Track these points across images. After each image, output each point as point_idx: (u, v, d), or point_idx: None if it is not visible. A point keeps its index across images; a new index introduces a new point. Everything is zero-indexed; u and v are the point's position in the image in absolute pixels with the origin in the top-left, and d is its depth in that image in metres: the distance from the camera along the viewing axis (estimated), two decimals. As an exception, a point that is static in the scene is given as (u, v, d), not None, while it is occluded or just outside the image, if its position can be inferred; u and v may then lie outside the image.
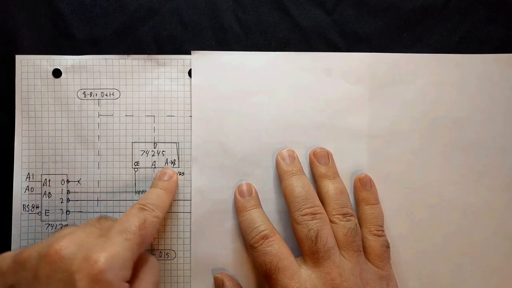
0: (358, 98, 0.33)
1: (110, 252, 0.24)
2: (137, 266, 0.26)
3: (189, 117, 0.32)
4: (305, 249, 0.28)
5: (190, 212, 0.32)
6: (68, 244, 0.24)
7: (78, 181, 0.32)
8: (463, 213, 0.32)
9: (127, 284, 0.24)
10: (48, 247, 0.24)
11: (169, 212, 0.32)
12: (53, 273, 0.23)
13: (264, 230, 0.29)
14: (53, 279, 0.23)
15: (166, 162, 0.32)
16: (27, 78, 0.32)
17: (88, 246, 0.24)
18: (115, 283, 0.23)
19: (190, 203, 0.32)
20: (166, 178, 0.31)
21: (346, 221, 0.29)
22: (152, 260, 0.28)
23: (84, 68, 0.32)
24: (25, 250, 0.25)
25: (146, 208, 0.28)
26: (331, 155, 0.32)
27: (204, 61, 0.32)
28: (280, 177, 0.31)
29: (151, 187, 0.31)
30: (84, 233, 0.26)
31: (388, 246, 0.30)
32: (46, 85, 0.32)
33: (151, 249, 0.32)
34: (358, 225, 0.30)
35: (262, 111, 0.32)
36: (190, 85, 0.32)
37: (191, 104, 0.32)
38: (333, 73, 0.32)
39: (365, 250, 0.30)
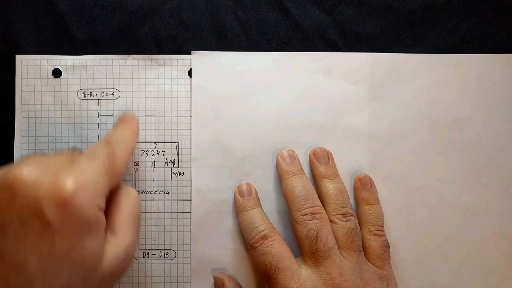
0: (358, 98, 0.32)
1: (80, 177, 0.21)
2: (114, 198, 0.25)
3: (189, 117, 0.32)
4: (305, 249, 0.28)
5: (190, 212, 0.32)
6: (31, 169, 0.21)
7: (78, 181, 0.32)
8: (463, 213, 0.32)
9: (101, 214, 0.22)
10: (7, 172, 0.21)
11: (169, 212, 0.32)
12: (14, 201, 0.20)
13: (264, 230, 0.29)
14: (14, 209, 0.20)
15: (166, 162, 0.32)
16: (27, 78, 0.32)
17: (54, 171, 0.21)
18: (88, 211, 0.21)
19: (190, 203, 0.32)
20: (128, 119, 0.30)
21: (346, 221, 0.29)
22: (131, 192, 0.26)
23: (84, 68, 0.32)
24: None
25: (112, 141, 0.26)
26: (331, 155, 0.32)
27: (204, 61, 0.32)
28: (280, 177, 0.31)
29: (113, 128, 0.29)
30: (50, 159, 0.23)
31: (388, 246, 0.30)
32: (46, 85, 0.32)
33: (151, 248, 0.32)
34: (358, 225, 0.30)
35: (262, 111, 0.32)
36: (190, 85, 0.32)
37: (191, 104, 0.32)
38: (333, 73, 0.32)
39: (365, 250, 0.30)
